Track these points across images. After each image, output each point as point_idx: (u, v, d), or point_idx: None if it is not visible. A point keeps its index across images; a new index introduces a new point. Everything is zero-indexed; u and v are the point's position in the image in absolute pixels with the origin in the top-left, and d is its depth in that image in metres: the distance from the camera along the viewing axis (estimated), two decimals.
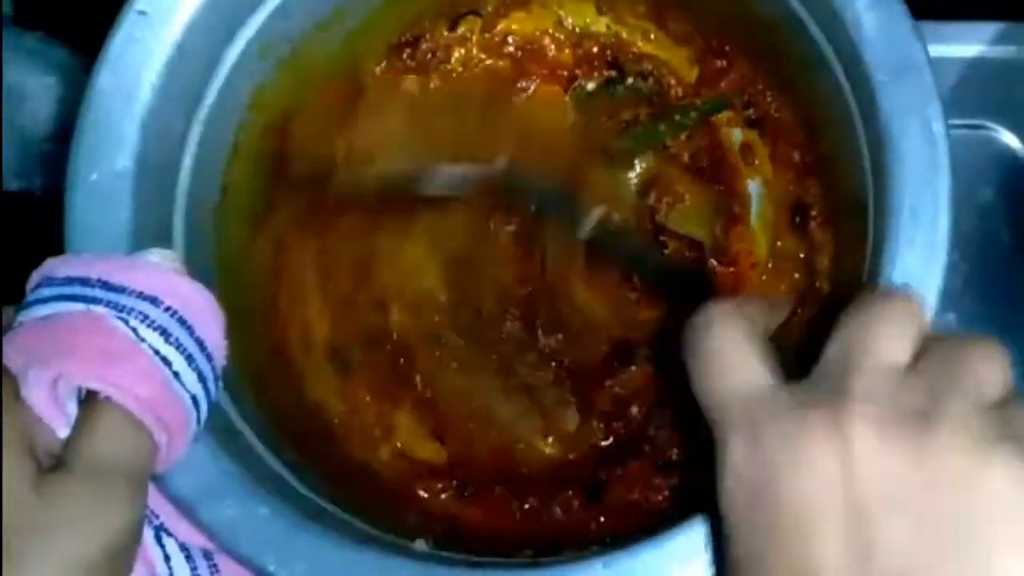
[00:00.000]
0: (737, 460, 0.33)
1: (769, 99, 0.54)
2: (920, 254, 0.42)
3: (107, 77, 0.42)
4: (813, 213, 0.52)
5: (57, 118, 0.60)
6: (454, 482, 0.51)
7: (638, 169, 0.55)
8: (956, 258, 0.60)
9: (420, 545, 0.43)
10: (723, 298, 0.38)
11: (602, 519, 0.51)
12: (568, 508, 0.51)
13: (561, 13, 0.56)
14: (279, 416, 0.47)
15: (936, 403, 0.31)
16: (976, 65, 0.61)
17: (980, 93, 0.61)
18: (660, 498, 0.51)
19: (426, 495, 0.51)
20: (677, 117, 0.55)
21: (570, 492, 0.51)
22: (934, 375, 0.32)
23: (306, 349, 0.52)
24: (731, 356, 0.35)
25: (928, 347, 0.34)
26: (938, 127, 0.43)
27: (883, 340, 0.34)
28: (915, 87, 0.43)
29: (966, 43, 0.60)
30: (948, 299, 0.58)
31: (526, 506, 0.51)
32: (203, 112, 0.46)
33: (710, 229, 0.55)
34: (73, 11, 0.52)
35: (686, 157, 0.55)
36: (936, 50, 0.57)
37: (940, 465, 0.30)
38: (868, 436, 0.31)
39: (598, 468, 0.52)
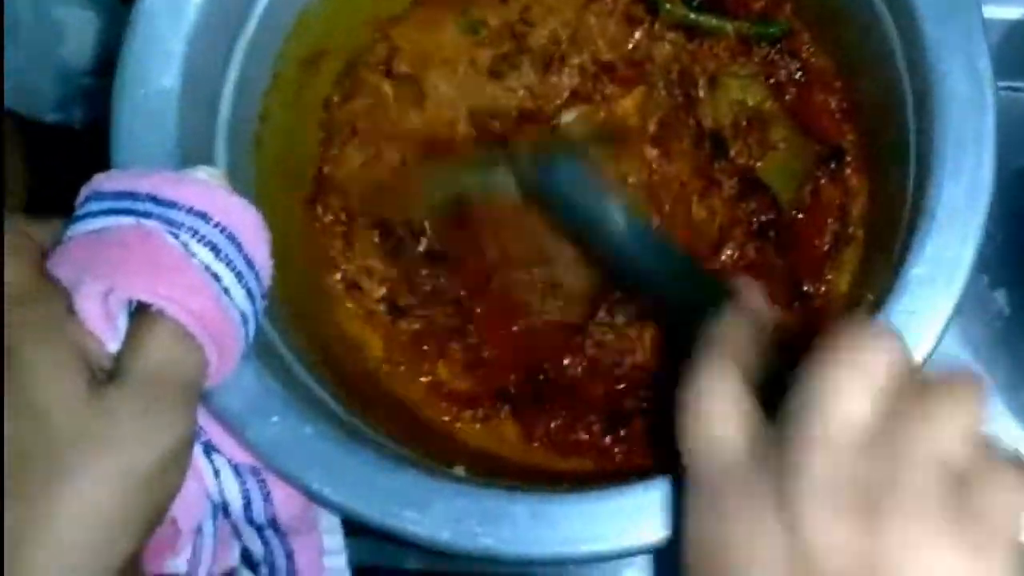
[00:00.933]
0: (698, 516, 0.33)
1: (807, 44, 0.52)
2: (965, 188, 0.41)
3: None
4: (848, 159, 0.51)
5: (96, 52, 0.59)
6: (486, 406, 0.51)
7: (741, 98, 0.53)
8: (989, 224, 0.59)
9: (458, 470, 0.42)
10: (717, 330, 0.36)
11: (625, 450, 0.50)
12: (590, 432, 0.50)
13: None
14: (317, 344, 0.46)
15: (894, 477, 0.29)
16: (1018, 28, 0.59)
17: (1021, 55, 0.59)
18: None
19: (460, 426, 0.51)
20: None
21: (593, 417, 0.50)
22: (897, 439, 0.30)
23: (352, 291, 0.52)
24: (707, 419, 0.33)
25: (899, 395, 0.31)
26: (983, 65, 0.42)
27: (843, 398, 0.30)
28: (962, 25, 0.42)
29: (1009, 5, 0.58)
30: (982, 262, 0.57)
31: (553, 424, 0.50)
32: (246, 35, 0.45)
33: (794, 188, 0.52)
34: None
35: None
36: (986, 11, 0.57)
37: (890, 546, 0.29)
38: (818, 513, 0.29)
39: (623, 397, 0.51)
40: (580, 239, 0.50)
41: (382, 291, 0.52)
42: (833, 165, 0.51)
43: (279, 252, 0.40)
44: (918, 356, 0.40)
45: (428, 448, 0.44)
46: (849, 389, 0.30)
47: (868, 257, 0.49)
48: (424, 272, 0.52)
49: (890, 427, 0.30)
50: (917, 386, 0.31)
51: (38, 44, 0.58)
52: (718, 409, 0.33)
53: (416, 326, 0.51)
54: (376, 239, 0.52)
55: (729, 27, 0.52)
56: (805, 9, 0.52)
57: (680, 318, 0.43)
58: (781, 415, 0.32)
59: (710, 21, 0.52)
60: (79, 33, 0.59)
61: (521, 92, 0.53)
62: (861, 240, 0.50)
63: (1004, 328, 0.58)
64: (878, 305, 0.41)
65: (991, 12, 0.57)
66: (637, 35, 0.53)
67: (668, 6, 0.52)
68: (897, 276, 0.41)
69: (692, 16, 0.53)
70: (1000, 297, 0.58)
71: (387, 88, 0.52)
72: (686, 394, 0.34)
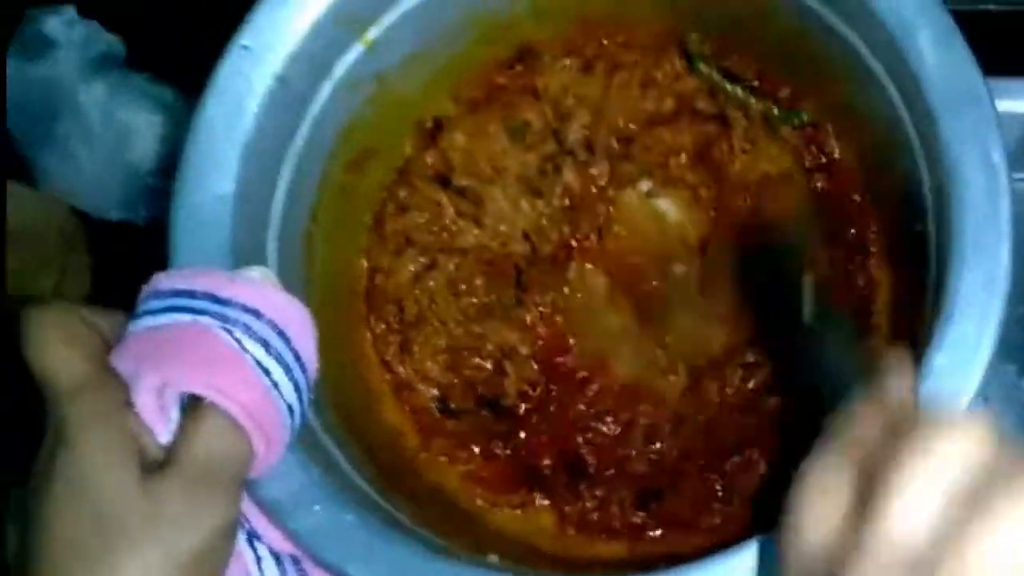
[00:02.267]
0: None
1: (830, 136, 0.53)
2: (983, 277, 0.41)
3: (212, 107, 0.43)
4: (872, 250, 0.51)
5: (161, 153, 0.61)
6: (522, 492, 0.51)
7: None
8: (1021, 312, 0.58)
9: (493, 559, 0.43)
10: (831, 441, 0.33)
11: (658, 532, 0.50)
12: (623, 507, 0.50)
13: None
14: (357, 433, 0.47)
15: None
16: None
17: None
18: (716, 521, 0.50)
19: (496, 513, 0.51)
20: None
21: (625, 492, 0.50)
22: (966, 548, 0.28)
23: (402, 391, 0.52)
24: (807, 531, 0.31)
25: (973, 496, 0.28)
26: (997, 156, 0.42)
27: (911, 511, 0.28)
28: (975, 118, 0.43)
29: None
30: (1008, 350, 0.58)
31: (587, 504, 0.50)
32: (298, 141, 0.46)
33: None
34: (180, 53, 0.54)
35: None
36: (1003, 105, 0.57)
37: None
38: None
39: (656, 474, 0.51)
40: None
41: (435, 392, 0.52)
42: (857, 256, 0.52)
43: (324, 346, 0.41)
44: None
45: (463, 535, 0.44)
46: (917, 500, 0.28)
47: (893, 345, 0.49)
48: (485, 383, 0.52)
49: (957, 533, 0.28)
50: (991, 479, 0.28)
51: (106, 146, 0.61)
52: (822, 524, 0.31)
53: (465, 427, 0.52)
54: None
55: (753, 102, 0.53)
56: (827, 102, 0.52)
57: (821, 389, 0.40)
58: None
59: (736, 91, 0.53)
60: (145, 136, 0.61)
61: (565, 188, 0.54)
62: (885, 330, 0.50)
63: None
64: None
65: (1009, 107, 0.58)
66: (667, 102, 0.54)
67: (702, 65, 0.53)
68: (920, 363, 0.41)
69: (721, 79, 0.53)
70: None
71: (444, 200, 0.53)
72: (795, 496, 0.32)
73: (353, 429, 0.46)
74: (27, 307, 0.36)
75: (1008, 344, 0.58)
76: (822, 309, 0.44)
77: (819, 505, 0.31)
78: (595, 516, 0.50)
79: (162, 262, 0.43)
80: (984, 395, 0.55)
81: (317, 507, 0.40)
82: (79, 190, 0.61)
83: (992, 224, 0.42)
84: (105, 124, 0.60)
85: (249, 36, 0.44)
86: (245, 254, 0.43)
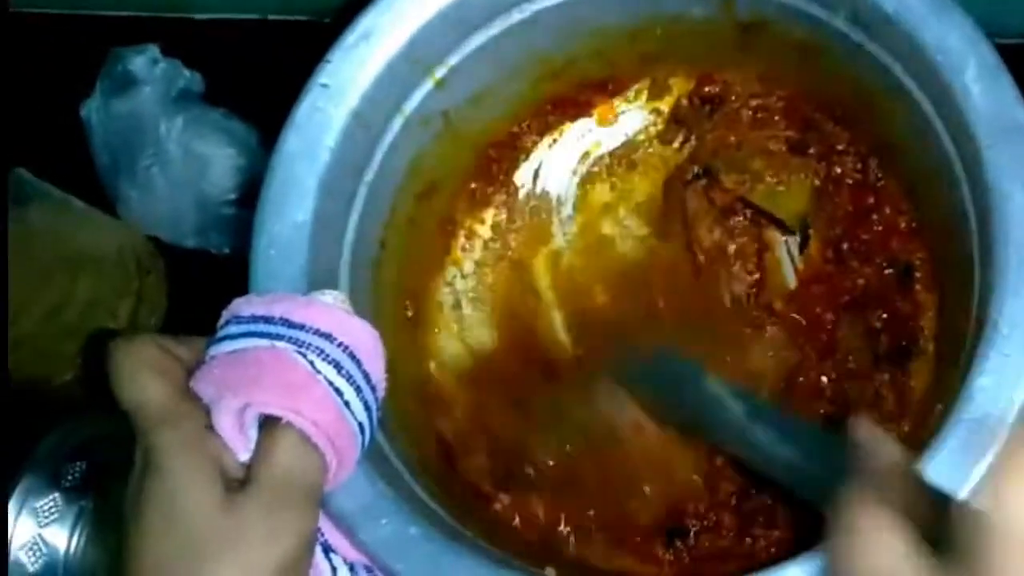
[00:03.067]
0: None
1: (874, 169, 0.54)
2: None
3: (292, 140, 0.46)
4: (918, 275, 0.52)
5: (234, 184, 0.63)
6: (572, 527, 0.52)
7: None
8: None
9: (549, 571, 0.44)
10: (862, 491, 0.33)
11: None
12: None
13: None
14: (422, 456, 0.48)
15: None
16: None
17: None
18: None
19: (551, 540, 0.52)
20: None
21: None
22: None
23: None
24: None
25: None
26: None
27: None
28: (1019, 150, 0.43)
29: None
30: None
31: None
32: (370, 174, 0.49)
33: None
34: (254, 91, 0.56)
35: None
36: None
37: None
38: None
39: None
40: (698, 432, 0.50)
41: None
42: (904, 281, 0.52)
43: (390, 366, 0.42)
44: (985, 464, 0.41)
45: (519, 549, 0.46)
46: None
47: (939, 369, 0.50)
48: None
49: None
50: None
51: (183, 177, 0.63)
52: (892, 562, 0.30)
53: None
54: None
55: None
56: (871, 136, 0.53)
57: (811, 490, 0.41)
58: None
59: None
60: (219, 167, 0.64)
61: None
62: (932, 353, 0.51)
63: None
64: (948, 413, 0.42)
65: None
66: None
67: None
68: (963, 385, 0.41)
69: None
70: None
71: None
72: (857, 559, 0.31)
73: (416, 445, 0.48)
74: (112, 340, 0.38)
75: None
76: (750, 406, 0.45)
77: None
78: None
79: (234, 287, 0.44)
80: None
81: (384, 520, 0.41)
82: (157, 219, 0.64)
83: None
84: (183, 156, 0.63)
85: (327, 75, 0.46)
86: (320, 279, 0.45)
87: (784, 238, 0.56)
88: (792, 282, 0.55)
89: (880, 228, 0.53)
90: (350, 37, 0.47)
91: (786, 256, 0.56)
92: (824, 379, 0.53)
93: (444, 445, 0.53)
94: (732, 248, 0.56)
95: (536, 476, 0.52)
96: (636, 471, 0.52)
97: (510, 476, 0.52)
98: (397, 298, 0.53)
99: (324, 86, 0.46)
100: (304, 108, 0.46)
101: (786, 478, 0.43)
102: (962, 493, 0.39)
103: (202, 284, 0.62)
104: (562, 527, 0.51)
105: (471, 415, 0.54)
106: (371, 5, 0.47)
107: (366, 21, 0.47)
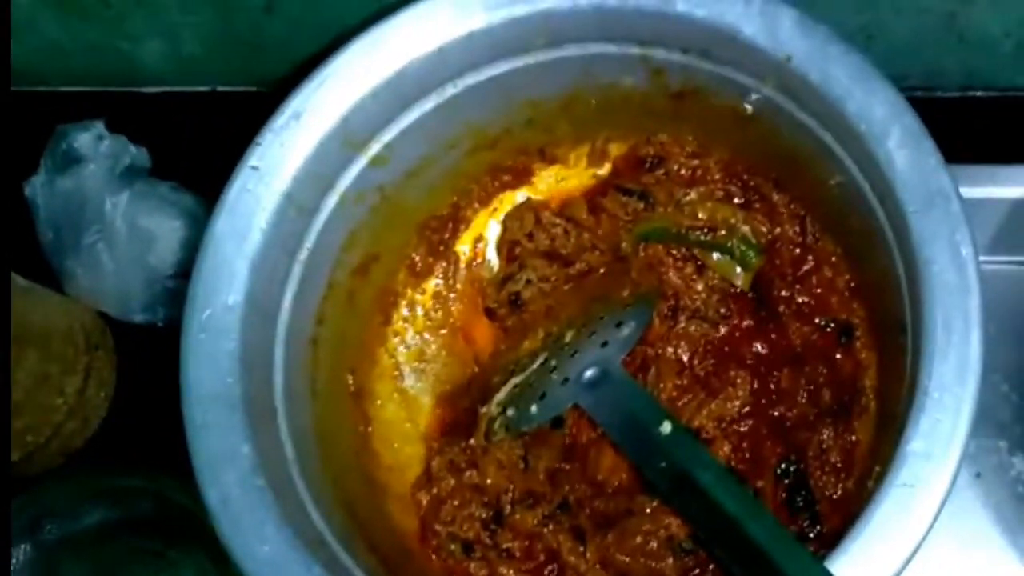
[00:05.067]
0: None
1: (809, 228, 0.54)
2: (954, 369, 0.42)
3: (223, 223, 0.46)
4: (857, 334, 0.52)
5: (181, 258, 0.63)
6: None
7: None
8: (1007, 389, 0.60)
9: None
10: None
11: None
12: None
13: None
14: (362, 529, 0.48)
15: None
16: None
17: None
18: None
19: None
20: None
21: None
22: None
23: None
24: None
25: None
26: (967, 251, 0.44)
27: None
28: (943, 216, 0.44)
29: (1013, 185, 0.59)
30: (999, 427, 0.59)
31: None
32: (304, 253, 0.49)
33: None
34: (203, 162, 0.56)
35: None
36: (986, 192, 0.59)
37: None
38: None
39: None
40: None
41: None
42: (844, 339, 0.53)
43: (329, 445, 0.42)
44: (918, 530, 0.41)
45: None
46: None
47: (881, 428, 0.50)
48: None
49: None
50: None
51: (130, 252, 0.63)
52: None
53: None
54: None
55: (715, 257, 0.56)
56: (808, 196, 0.54)
57: None
58: None
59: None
60: (166, 241, 0.63)
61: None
62: (874, 412, 0.51)
63: None
64: (882, 477, 0.42)
65: (1001, 192, 0.59)
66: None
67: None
68: (896, 450, 0.42)
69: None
70: (1019, 462, 0.58)
71: None
72: None
73: (357, 524, 0.47)
74: None
75: (998, 421, 0.59)
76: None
77: None
78: None
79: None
80: (976, 471, 0.58)
81: None
82: (104, 294, 0.63)
83: (962, 316, 0.43)
84: (129, 231, 0.62)
85: (257, 157, 0.46)
86: (253, 361, 0.45)
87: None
88: (739, 280, 0.55)
89: (819, 289, 0.54)
90: (280, 118, 0.47)
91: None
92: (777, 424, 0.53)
93: (395, 527, 0.52)
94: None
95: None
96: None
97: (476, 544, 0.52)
98: (338, 372, 0.52)
99: (254, 168, 0.46)
100: (234, 190, 0.46)
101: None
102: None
103: (151, 359, 0.62)
104: None
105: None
106: (301, 84, 0.47)
107: (296, 102, 0.47)
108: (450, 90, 0.51)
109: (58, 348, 0.61)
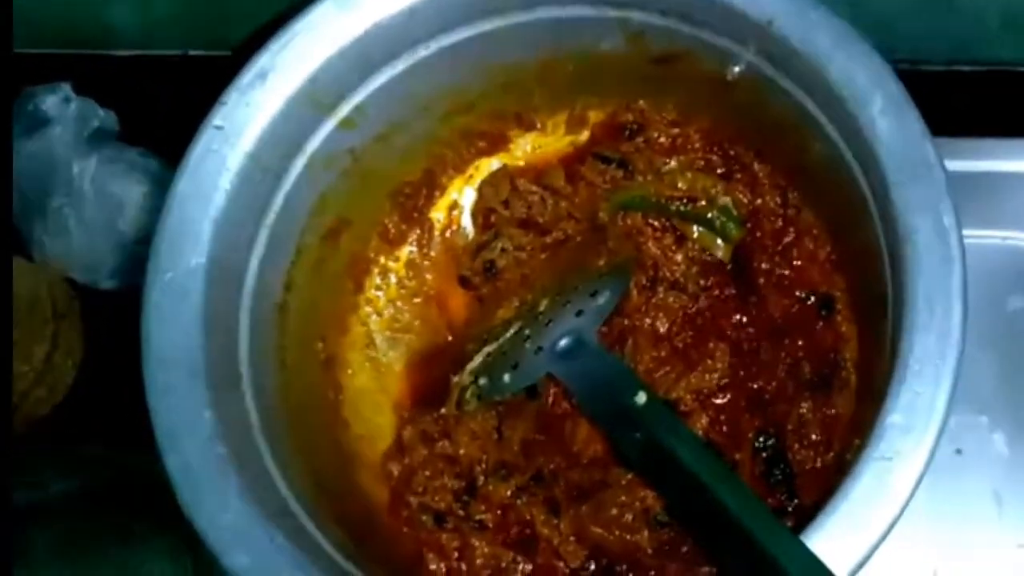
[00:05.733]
0: None
1: (791, 199, 0.53)
2: (935, 339, 0.42)
3: (186, 183, 0.45)
4: (839, 307, 0.52)
5: (149, 223, 0.61)
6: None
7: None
8: (987, 362, 0.59)
9: None
10: None
11: None
12: None
13: None
14: (328, 497, 0.47)
15: None
16: (1007, 179, 0.60)
17: (1011, 206, 0.61)
18: None
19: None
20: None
21: None
22: None
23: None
24: None
25: None
26: (949, 221, 0.43)
27: None
28: (927, 185, 0.43)
29: (997, 158, 0.60)
30: (981, 402, 0.58)
31: None
32: (270, 216, 0.47)
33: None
34: (172, 128, 0.55)
35: None
36: (970, 164, 0.59)
37: None
38: None
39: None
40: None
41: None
42: (824, 312, 0.52)
43: (297, 413, 0.41)
44: (896, 503, 0.40)
45: None
46: None
47: (861, 401, 0.49)
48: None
49: None
50: None
51: (98, 217, 0.62)
52: None
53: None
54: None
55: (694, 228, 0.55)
56: (791, 166, 0.53)
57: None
58: None
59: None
60: (135, 207, 0.62)
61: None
62: (854, 385, 0.50)
63: (1006, 467, 0.57)
64: (861, 450, 0.41)
65: (982, 165, 0.60)
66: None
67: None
68: (875, 422, 0.41)
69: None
70: (999, 439, 0.58)
71: None
72: None
73: (324, 493, 0.46)
74: None
75: (980, 397, 0.58)
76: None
77: None
78: None
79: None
80: (957, 448, 0.57)
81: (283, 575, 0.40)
82: (71, 260, 0.62)
83: (944, 288, 0.42)
84: (97, 196, 0.61)
85: (222, 117, 0.45)
86: (216, 325, 0.44)
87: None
88: (720, 251, 0.54)
89: (800, 261, 0.53)
90: (246, 77, 0.46)
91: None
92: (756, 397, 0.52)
93: (364, 497, 0.51)
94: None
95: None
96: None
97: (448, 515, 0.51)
98: (308, 340, 0.51)
99: (218, 128, 0.45)
100: (198, 150, 0.45)
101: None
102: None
103: (120, 326, 0.61)
104: None
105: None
106: (268, 43, 0.46)
107: (263, 60, 0.46)
108: (421, 52, 0.49)
109: (24, 315, 0.60)
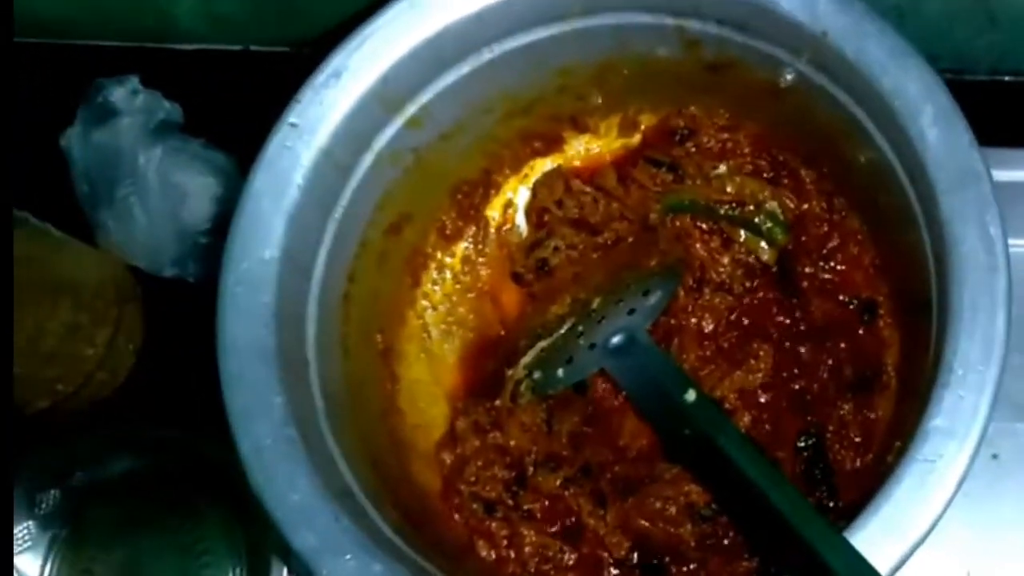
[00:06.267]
0: None
1: (837, 205, 0.54)
2: (979, 347, 0.42)
3: (261, 179, 0.46)
4: (881, 312, 0.53)
5: (212, 214, 0.63)
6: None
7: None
8: None
9: None
10: None
11: None
12: None
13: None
14: (387, 483, 0.48)
15: None
16: None
17: None
18: None
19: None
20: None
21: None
22: None
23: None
24: None
25: None
26: (995, 231, 0.44)
27: None
28: (974, 195, 0.44)
29: None
30: (1018, 408, 0.58)
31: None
32: (339, 210, 0.49)
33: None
34: (234, 121, 0.56)
35: None
36: (1013, 175, 0.59)
37: None
38: None
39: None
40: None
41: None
42: (867, 317, 0.53)
43: (357, 400, 0.43)
44: (937, 505, 0.41)
45: None
46: None
47: (901, 404, 0.50)
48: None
49: None
50: None
51: (162, 207, 0.63)
52: None
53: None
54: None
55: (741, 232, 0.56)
56: (838, 172, 0.54)
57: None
58: None
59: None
60: (197, 197, 0.63)
61: None
62: (895, 388, 0.51)
63: None
64: (902, 452, 0.43)
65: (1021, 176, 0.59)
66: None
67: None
68: (918, 425, 0.42)
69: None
70: None
71: None
72: None
73: (382, 479, 0.48)
74: None
75: (1018, 403, 0.59)
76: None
77: None
78: None
79: (211, 317, 0.45)
80: (994, 453, 0.58)
81: (348, 556, 0.42)
82: (135, 248, 0.63)
83: (989, 295, 0.43)
84: (161, 186, 0.63)
85: (296, 114, 0.47)
86: (288, 314, 0.45)
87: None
88: (765, 254, 0.56)
89: (844, 267, 0.54)
90: (320, 76, 0.47)
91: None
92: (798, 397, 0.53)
93: (418, 485, 0.53)
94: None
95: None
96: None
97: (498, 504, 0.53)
98: (368, 331, 0.53)
99: (293, 125, 0.46)
100: (273, 146, 0.46)
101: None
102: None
103: (179, 313, 0.62)
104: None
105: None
106: (342, 43, 0.47)
107: (337, 60, 0.47)
108: (487, 55, 0.51)
109: (89, 299, 0.62)
